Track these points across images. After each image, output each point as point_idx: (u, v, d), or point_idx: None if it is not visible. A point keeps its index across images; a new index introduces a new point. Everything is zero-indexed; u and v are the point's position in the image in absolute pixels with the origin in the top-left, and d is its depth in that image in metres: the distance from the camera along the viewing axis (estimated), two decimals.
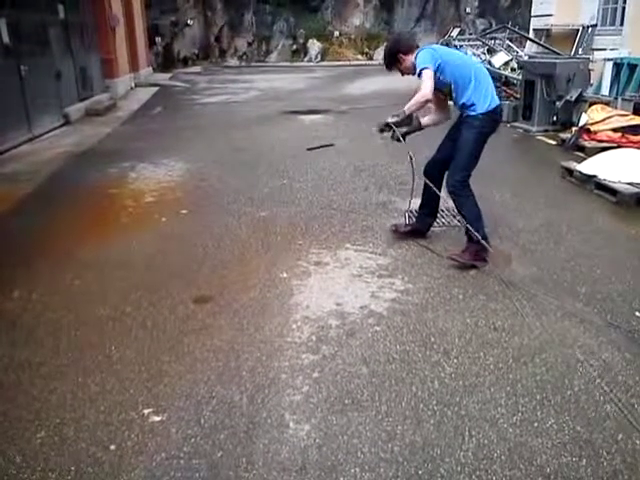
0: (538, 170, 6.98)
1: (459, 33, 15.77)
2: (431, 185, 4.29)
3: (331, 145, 8.21)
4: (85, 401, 2.71)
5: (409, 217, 4.89)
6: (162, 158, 7.65)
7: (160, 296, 3.76)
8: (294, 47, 25.64)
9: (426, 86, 3.83)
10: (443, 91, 4.09)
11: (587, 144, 7.36)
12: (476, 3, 26.31)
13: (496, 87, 10.51)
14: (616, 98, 9.00)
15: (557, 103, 8.75)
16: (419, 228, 4.66)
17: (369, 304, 3.60)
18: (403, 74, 4.15)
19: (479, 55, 11.61)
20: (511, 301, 3.61)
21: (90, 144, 8.87)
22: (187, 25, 24.01)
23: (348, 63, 24.09)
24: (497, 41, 12.72)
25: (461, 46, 12.82)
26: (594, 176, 5.82)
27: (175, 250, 4.59)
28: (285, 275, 4.06)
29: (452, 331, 3.27)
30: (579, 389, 2.74)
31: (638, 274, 3.99)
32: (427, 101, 3.92)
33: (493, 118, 4.04)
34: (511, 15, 23.47)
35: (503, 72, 10.82)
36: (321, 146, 8.14)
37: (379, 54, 24.74)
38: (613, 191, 5.53)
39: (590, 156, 6.52)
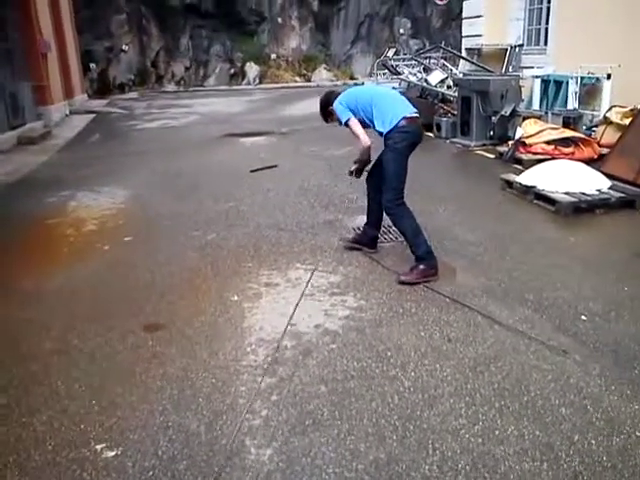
0: (479, 183, 7.17)
1: (394, 53, 16.17)
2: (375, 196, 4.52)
3: (274, 166, 8.19)
4: (30, 441, 2.56)
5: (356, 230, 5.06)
6: (102, 185, 7.44)
7: (108, 326, 3.62)
8: (232, 71, 25.60)
9: (361, 136, 4.23)
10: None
11: (524, 157, 7.62)
12: (409, 24, 27.09)
13: (434, 104, 10.87)
14: (546, 112, 9.41)
15: (493, 118, 9.05)
16: (363, 240, 4.74)
17: (323, 322, 3.58)
18: (340, 124, 4.39)
19: (415, 74, 11.90)
20: (463, 312, 3.66)
21: (25, 173, 8.55)
22: (122, 51, 23.63)
23: (286, 85, 24.27)
24: (432, 60, 13.08)
25: (397, 65, 13.14)
26: (533, 187, 6.02)
27: (121, 278, 4.44)
28: (236, 298, 3.99)
29: (407, 345, 3.28)
30: (535, 394, 2.78)
31: (580, 279, 4.13)
32: (369, 147, 4.28)
33: (401, 131, 4.14)
34: (443, 35, 24.26)
35: (440, 90, 11.12)
36: (264, 167, 8.11)
37: (317, 75, 25.20)
38: (552, 201, 5.73)
39: (527, 168, 6.74)
